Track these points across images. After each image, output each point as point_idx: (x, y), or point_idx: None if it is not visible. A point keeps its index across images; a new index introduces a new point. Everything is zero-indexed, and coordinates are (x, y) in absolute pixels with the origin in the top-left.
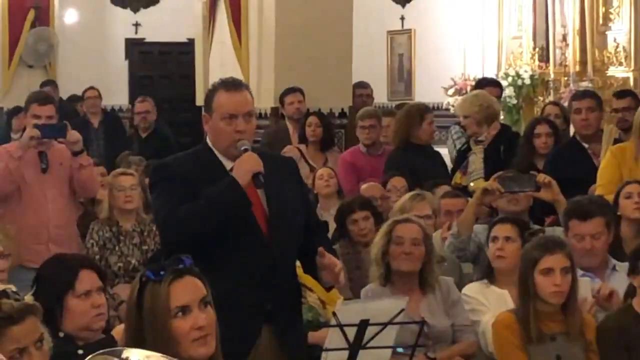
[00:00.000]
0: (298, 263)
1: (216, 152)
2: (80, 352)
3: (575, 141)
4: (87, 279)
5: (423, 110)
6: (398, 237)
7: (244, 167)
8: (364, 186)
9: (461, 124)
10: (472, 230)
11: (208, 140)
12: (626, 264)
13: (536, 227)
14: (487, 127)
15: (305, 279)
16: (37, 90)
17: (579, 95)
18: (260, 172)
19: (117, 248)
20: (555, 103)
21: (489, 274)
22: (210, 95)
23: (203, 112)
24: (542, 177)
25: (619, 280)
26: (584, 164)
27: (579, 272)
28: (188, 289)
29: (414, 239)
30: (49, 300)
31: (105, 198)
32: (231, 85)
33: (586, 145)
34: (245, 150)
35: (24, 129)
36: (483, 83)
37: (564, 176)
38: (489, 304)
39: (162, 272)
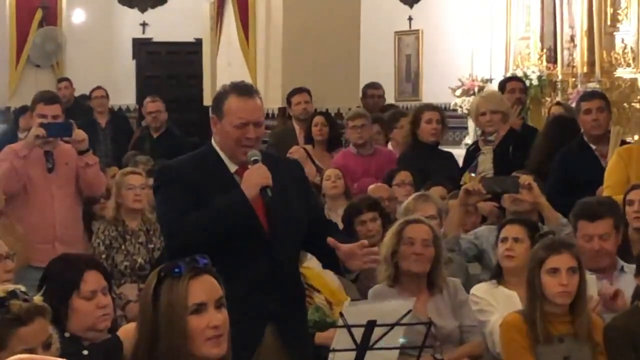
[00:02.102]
0: (306, 265)
1: (221, 154)
2: (85, 352)
3: (583, 142)
4: (92, 280)
5: (420, 109)
6: (409, 238)
7: (253, 181)
8: (371, 187)
9: (486, 119)
10: (458, 230)
11: (213, 142)
12: (634, 266)
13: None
14: (504, 125)
15: (313, 279)
16: (44, 89)
17: (588, 95)
18: (268, 185)
19: (123, 247)
20: (559, 103)
21: (497, 275)
22: (220, 98)
23: (211, 114)
24: (524, 179)
25: (626, 281)
26: (591, 165)
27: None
28: (206, 288)
29: (425, 240)
30: (54, 301)
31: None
32: (243, 90)
33: (594, 147)
34: (255, 161)
35: (31, 129)
36: (504, 81)
37: (572, 177)
38: (497, 304)
39: (177, 270)
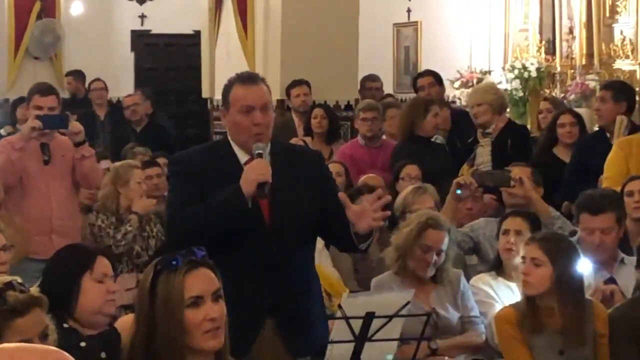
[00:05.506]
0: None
1: (234, 145)
2: (83, 344)
3: (601, 132)
4: (103, 264)
5: (428, 103)
6: (426, 245)
7: (251, 177)
8: (362, 178)
9: (473, 113)
10: (452, 223)
11: (228, 135)
12: (635, 258)
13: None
14: (497, 117)
15: None
16: (40, 81)
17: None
18: (266, 181)
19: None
20: (546, 98)
21: (497, 266)
22: (226, 90)
23: (220, 108)
24: (515, 173)
25: (627, 273)
26: (606, 154)
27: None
28: (202, 280)
29: (439, 250)
30: (64, 283)
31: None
32: (247, 78)
33: (609, 135)
34: (259, 155)
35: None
36: (415, 78)
37: (587, 165)
38: (497, 296)
39: (174, 262)
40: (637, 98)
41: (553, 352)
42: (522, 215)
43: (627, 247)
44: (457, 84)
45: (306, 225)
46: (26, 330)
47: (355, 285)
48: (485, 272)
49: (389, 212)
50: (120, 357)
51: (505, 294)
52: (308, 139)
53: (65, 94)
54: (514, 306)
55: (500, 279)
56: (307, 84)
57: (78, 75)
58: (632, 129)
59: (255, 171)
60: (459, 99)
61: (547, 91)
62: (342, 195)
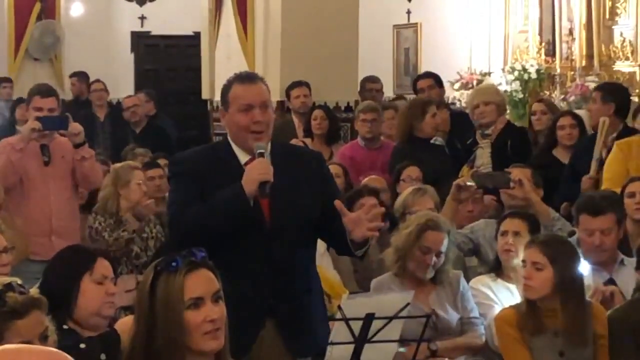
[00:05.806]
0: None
1: (234, 146)
2: (83, 345)
3: (595, 134)
4: (103, 266)
5: (426, 103)
6: (425, 247)
7: (252, 176)
8: (365, 180)
9: (479, 111)
10: (452, 224)
11: (228, 135)
12: (634, 259)
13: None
14: (498, 118)
15: None
16: (40, 82)
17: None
18: (268, 181)
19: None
20: (540, 100)
21: (496, 268)
22: (225, 90)
23: (219, 108)
24: (515, 175)
25: (626, 274)
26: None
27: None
28: (202, 281)
29: (439, 252)
30: (64, 284)
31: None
32: (246, 78)
33: None
34: (261, 154)
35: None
36: (414, 81)
37: (579, 167)
38: (496, 297)
39: (174, 263)
40: (636, 100)
41: (553, 353)
42: (520, 216)
43: (627, 248)
44: (457, 86)
45: (306, 226)
46: (26, 331)
47: (355, 287)
48: (485, 273)
49: (384, 223)
50: (120, 359)
51: (504, 296)
52: (308, 140)
53: (65, 95)
54: (514, 307)
55: (499, 280)
56: (307, 85)
57: (82, 76)
58: (624, 131)
59: (257, 170)
60: (459, 100)
61: (547, 93)
62: (338, 203)
